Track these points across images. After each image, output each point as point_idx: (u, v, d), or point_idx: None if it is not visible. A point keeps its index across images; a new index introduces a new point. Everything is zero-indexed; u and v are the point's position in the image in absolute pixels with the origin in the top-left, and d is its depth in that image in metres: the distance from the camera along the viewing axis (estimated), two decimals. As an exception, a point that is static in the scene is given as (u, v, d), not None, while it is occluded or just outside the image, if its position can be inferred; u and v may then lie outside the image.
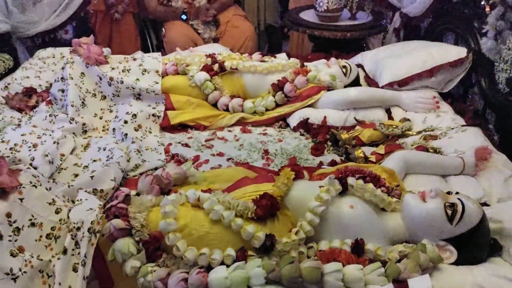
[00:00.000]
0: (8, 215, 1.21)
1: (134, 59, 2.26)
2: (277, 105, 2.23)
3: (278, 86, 2.22)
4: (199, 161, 1.85)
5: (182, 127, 2.12)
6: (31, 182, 1.31)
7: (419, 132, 2.01)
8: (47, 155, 1.71)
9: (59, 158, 1.78)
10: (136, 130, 2.02)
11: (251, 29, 3.62)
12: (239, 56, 2.38)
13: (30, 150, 1.76)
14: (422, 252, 1.26)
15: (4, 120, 2.02)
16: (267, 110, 2.22)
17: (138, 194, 1.39)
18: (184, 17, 3.51)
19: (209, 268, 1.20)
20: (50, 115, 2.01)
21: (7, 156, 1.67)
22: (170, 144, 1.97)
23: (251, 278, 1.15)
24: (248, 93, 2.27)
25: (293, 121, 2.14)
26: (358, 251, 1.25)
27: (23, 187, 1.27)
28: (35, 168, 1.63)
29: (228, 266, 1.19)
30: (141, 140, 1.96)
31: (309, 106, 2.19)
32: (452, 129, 1.97)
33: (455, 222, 1.30)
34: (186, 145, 1.97)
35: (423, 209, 1.33)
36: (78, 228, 1.25)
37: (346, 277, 1.17)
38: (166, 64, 2.27)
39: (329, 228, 1.32)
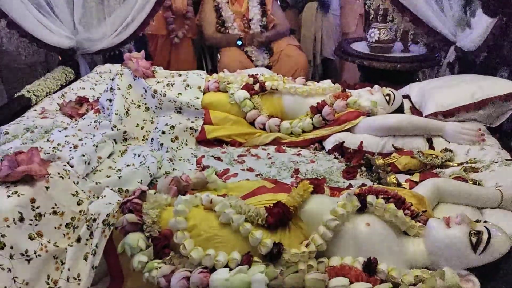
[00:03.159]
0: (33, 200, 1.27)
1: (180, 75, 2.35)
2: (314, 128, 2.21)
3: (316, 109, 2.21)
4: (228, 174, 1.87)
5: (218, 142, 2.16)
6: (59, 173, 1.37)
7: (460, 164, 1.92)
8: (83, 155, 1.79)
9: (96, 160, 1.87)
10: (172, 141, 2.08)
11: (304, 59, 3.66)
12: (281, 78, 2.41)
13: (70, 150, 1.86)
14: (440, 279, 1.18)
15: (54, 124, 2.15)
16: (303, 132, 2.22)
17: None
18: (239, 42, 3.62)
19: (213, 270, 1.19)
20: (94, 121, 2.12)
21: (48, 153, 1.77)
22: (203, 156, 2.01)
23: (252, 283, 1.12)
24: (286, 114, 2.28)
25: (329, 144, 2.11)
26: (369, 270, 1.19)
27: (50, 177, 1.34)
28: (72, 166, 1.72)
29: (231, 269, 1.18)
30: (175, 151, 2.02)
31: (347, 130, 2.16)
32: (496, 162, 1.86)
33: (480, 251, 1.22)
34: (218, 158, 2.00)
35: (447, 234, 1.26)
36: (94, 220, 1.30)
37: (354, 295, 1.12)
38: (209, 81, 2.34)
39: (343, 245, 1.27)
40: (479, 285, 1.20)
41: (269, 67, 3.53)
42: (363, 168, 1.96)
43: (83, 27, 2.91)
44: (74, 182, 1.43)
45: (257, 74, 2.40)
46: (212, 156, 2.02)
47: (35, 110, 2.36)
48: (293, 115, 2.28)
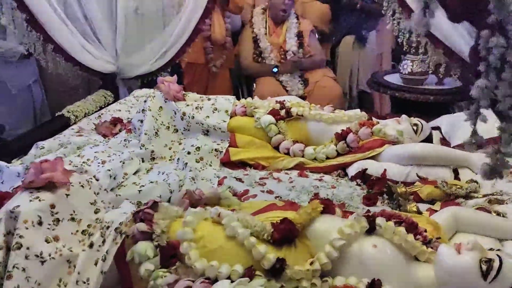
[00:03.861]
0: (52, 206, 1.34)
1: (209, 99, 2.42)
2: (339, 154, 2.21)
3: (341, 136, 2.22)
4: (247, 195, 1.89)
5: (242, 165, 2.19)
6: (79, 183, 1.45)
7: (485, 195, 1.86)
8: (109, 170, 1.87)
9: (122, 176, 1.94)
10: (197, 161, 2.13)
11: (339, 91, 3.69)
12: (308, 105, 2.44)
13: (98, 165, 1.95)
14: (446, 304, 1.15)
15: (87, 141, 2.26)
16: (327, 158, 2.22)
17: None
18: (275, 70, 3.70)
19: (215, 281, 1.20)
20: (125, 140, 2.21)
21: (76, 166, 1.86)
22: (225, 177, 2.05)
23: (251, 296, 1.13)
24: (311, 140, 2.30)
25: (352, 170, 2.11)
26: (372, 290, 1.17)
27: (71, 185, 1.41)
28: (97, 180, 1.79)
29: (233, 281, 1.19)
30: (199, 171, 2.07)
31: (371, 158, 2.14)
32: (524, 195, 1.79)
33: (490, 279, 1.17)
34: (240, 180, 2.03)
35: (456, 260, 1.22)
36: (108, 227, 1.35)
37: (354, 316, 1.10)
38: (236, 105, 2.40)
39: (348, 265, 1.26)
40: (489, 315, 1.16)
41: (303, 97, 3.57)
42: (385, 196, 1.93)
43: (124, 53, 3.06)
44: (94, 193, 1.50)
45: (284, 100, 2.44)
46: (234, 177, 2.05)
47: (73, 129, 2.49)
48: (318, 141, 2.30)
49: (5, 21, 2.47)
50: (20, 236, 1.24)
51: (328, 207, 1.39)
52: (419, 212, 1.73)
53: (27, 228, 1.26)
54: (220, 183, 2.00)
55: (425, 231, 1.42)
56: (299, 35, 3.78)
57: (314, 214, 1.34)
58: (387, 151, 2.12)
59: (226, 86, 3.91)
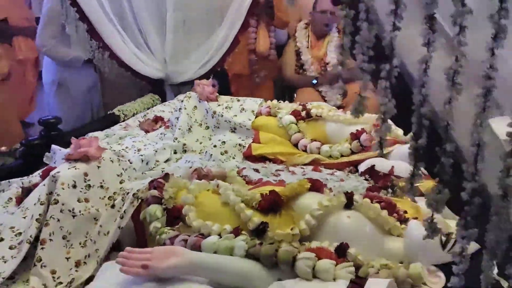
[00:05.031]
0: (86, 174, 1.63)
1: (238, 100, 2.68)
2: (353, 153, 2.38)
3: (355, 135, 2.39)
4: (260, 183, 2.10)
5: (264, 159, 2.41)
6: (110, 158, 1.74)
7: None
8: (142, 155, 2.16)
9: (153, 162, 2.23)
10: (222, 154, 2.38)
11: (376, 102, 3.79)
12: (330, 108, 2.63)
13: (134, 152, 2.24)
14: (405, 268, 1.30)
15: (130, 134, 2.58)
16: (342, 156, 2.39)
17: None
18: (314, 81, 3.90)
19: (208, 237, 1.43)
20: (161, 134, 2.51)
21: (114, 150, 2.16)
22: (244, 168, 2.27)
23: (234, 248, 1.34)
24: (328, 140, 2.48)
25: (362, 167, 2.26)
26: (339, 252, 1.34)
27: (103, 159, 1.71)
28: (131, 162, 2.08)
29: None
30: (222, 162, 2.31)
31: (382, 156, 2.29)
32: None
33: (448, 249, 1.31)
34: (257, 170, 2.24)
35: (421, 231, 1.37)
36: (128, 193, 1.62)
37: (317, 267, 1.28)
38: (262, 106, 2.63)
39: (324, 233, 1.44)
40: (444, 279, 1.29)
41: (341, 107, 3.73)
42: (389, 190, 2.07)
43: (172, 62, 3.40)
44: (123, 169, 1.78)
45: (306, 103, 2.65)
46: (253, 168, 2.27)
47: (121, 125, 2.83)
48: (334, 140, 2.47)
49: (70, 31, 2.87)
50: (58, 195, 1.54)
51: (316, 186, 1.58)
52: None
53: (63, 189, 1.55)
54: (238, 172, 2.22)
55: (405, 212, 1.57)
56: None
57: (300, 189, 1.53)
58: (397, 150, 2.26)
59: (269, 95, 4.13)
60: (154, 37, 3.30)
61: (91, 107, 3.59)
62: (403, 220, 1.52)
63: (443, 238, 1.33)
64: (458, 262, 0.81)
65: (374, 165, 2.21)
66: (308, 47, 4.02)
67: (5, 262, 1.41)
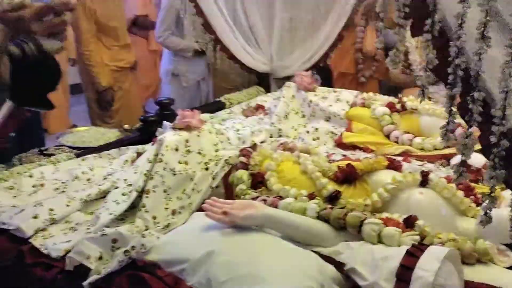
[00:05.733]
0: (187, 141, 1.87)
1: (335, 91, 2.78)
2: (446, 147, 2.35)
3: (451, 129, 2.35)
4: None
5: (354, 148, 2.49)
6: (209, 130, 1.96)
7: None
8: (239, 134, 2.37)
9: (249, 142, 2.41)
10: (313, 139, 2.51)
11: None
12: (426, 101, 2.62)
13: (234, 132, 2.46)
14: (472, 243, 1.32)
15: (231, 117, 2.82)
16: (435, 149, 2.38)
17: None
18: None
19: (285, 200, 1.57)
20: (260, 118, 2.70)
21: (215, 127, 2.40)
22: (333, 153, 2.37)
23: (307, 210, 1.47)
24: (421, 133, 2.48)
25: (454, 160, 2.23)
26: (407, 222, 1.40)
27: (202, 130, 1.94)
28: (229, 139, 2.30)
29: (297, 200, 1.54)
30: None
31: (477, 151, 2.24)
32: None
33: (520, 229, 1.30)
34: (345, 156, 2.33)
35: (494, 212, 1.37)
36: (220, 159, 1.82)
37: (383, 233, 1.35)
38: (357, 97, 2.71)
39: (396, 206, 1.50)
40: (514, 259, 1.29)
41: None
42: (480, 184, 2.04)
43: (277, 57, 3.60)
44: (219, 140, 2.00)
45: (401, 97, 2.67)
46: (341, 154, 2.36)
47: (225, 111, 3.09)
48: (428, 134, 2.46)
49: (188, 24, 3.21)
50: (162, 155, 1.79)
51: (393, 164, 1.65)
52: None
53: (167, 151, 1.80)
54: (328, 157, 2.33)
55: (483, 196, 1.56)
56: (451, 49, 3.86)
57: (377, 165, 1.61)
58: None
59: (373, 95, 4.19)
60: (262, 33, 3.52)
61: (200, 96, 3.93)
62: (480, 203, 1.52)
63: (516, 219, 1.32)
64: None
65: (465, 159, 2.18)
66: (416, 47, 3.98)
67: (117, 204, 1.69)
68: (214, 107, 3.14)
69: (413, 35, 0.93)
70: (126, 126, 3.13)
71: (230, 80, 3.88)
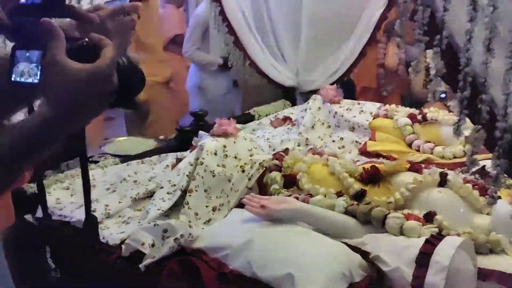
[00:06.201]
0: (224, 146, 2.06)
1: (359, 104, 2.95)
2: (466, 155, 2.48)
3: (470, 138, 2.49)
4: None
5: (378, 156, 2.64)
6: (244, 137, 2.16)
7: None
8: (270, 142, 2.56)
9: (278, 148, 2.61)
10: (339, 148, 2.67)
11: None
12: (446, 112, 2.76)
13: (264, 141, 2.65)
14: (485, 235, 1.47)
15: (261, 127, 3.01)
16: (455, 157, 2.51)
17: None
18: (443, 95, 3.98)
19: (315, 198, 1.74)
20: (288, 128, 2.89)
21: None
22: (358, 161, 2.53)
23: (335, 206, 1.63)
24: (442, 142, 2.61)
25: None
26: (427, 217, 1.55)
27: (238, 136, 2.13)
28: (260, 146, 2.49)
29: (326, 198, 1.71)
30: (338, 154, 2.60)
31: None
32: None
33: (530, 223, 1.44)
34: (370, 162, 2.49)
35: (507, 208, 1.52)
36: (255, 162, 2.01)
37: (405, 226, 1.51)
38: (380, 109, 2.87)
39: (416, 204, 1.65)
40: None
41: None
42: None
43: (303, 71, 3.79)
44: (254, 146, 2.19)
45: (422, 109, 2.82)
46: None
47: (254, 123, 3.28)
48: (449, 143, 2.59)
49: (217, 40, 3.45)
50: (203, 158, 1.98)
51: (415, 167, 1.80)
52: None
53: (207, 155, 1.99)
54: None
55: (499, 197, 1.70)
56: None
57: (399, 168, 1.76)
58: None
59: (395, 109, 4.33)
60: (288, 49, 3.72)
61: (225, 110, 4.15)
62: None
63: (527, 214, 1.47)
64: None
65: (484, 165, 2.31)
66: (437, 63, 4.12)
67: (164, 201, 1.88)
68: (243, 118, 3.34)
69: (425, 48, 1.10)
70: (161, 137, 3.35)
71: (257, 95, 4.09)
